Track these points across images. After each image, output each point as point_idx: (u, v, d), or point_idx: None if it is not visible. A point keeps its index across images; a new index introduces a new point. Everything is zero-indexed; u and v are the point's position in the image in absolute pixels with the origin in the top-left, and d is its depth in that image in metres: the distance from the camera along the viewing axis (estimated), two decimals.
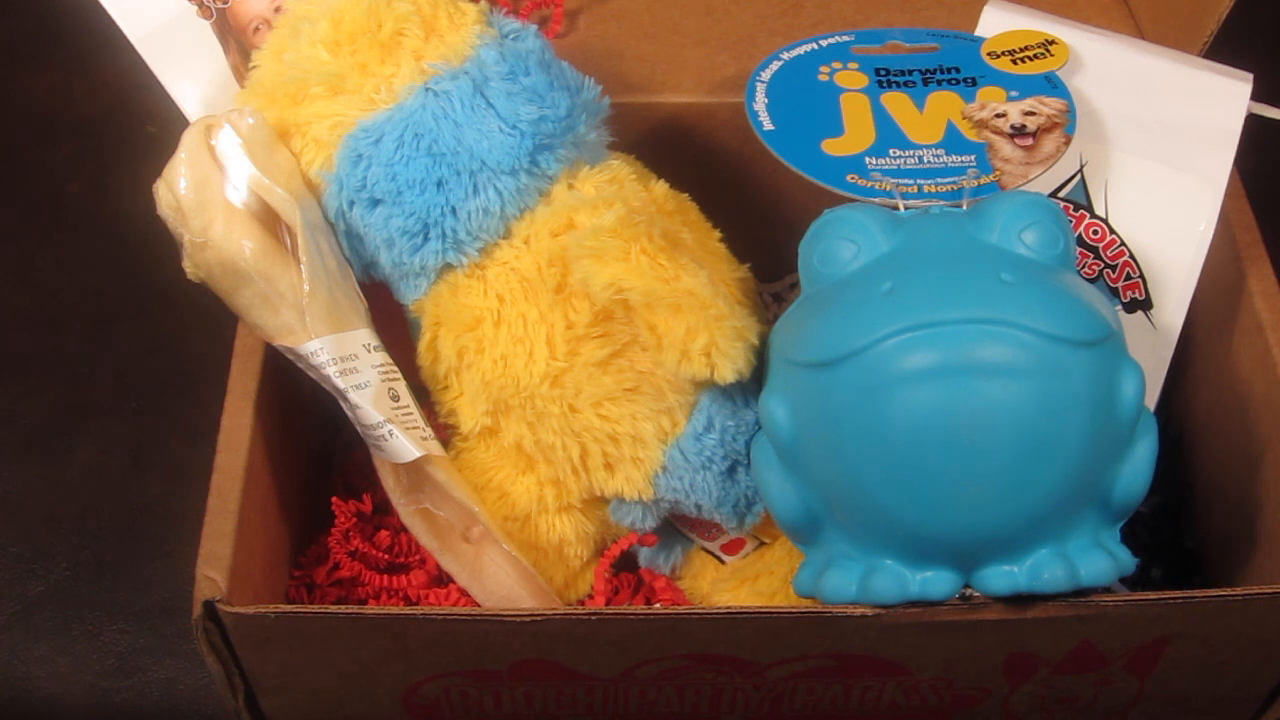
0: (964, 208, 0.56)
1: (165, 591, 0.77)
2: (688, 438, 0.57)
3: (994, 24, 0.66)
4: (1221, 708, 0.60)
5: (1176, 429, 0.68)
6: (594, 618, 0.53)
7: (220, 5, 0.63)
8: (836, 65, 0.63)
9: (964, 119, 0.61)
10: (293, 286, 0.56)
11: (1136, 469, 0.52)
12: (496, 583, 0.59)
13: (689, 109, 0.69)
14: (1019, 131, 0.60)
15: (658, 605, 0.63)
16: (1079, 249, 0.62)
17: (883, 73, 0.63)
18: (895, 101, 0.61)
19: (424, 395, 0.60)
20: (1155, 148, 0.63)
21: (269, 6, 0.63)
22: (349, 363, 0.56)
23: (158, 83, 0.63)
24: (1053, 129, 0.60)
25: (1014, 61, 0.63)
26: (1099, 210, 0.63)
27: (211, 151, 0.56)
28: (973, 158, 0.59)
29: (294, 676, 0.56)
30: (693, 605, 0.64)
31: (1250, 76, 0.64)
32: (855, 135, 0.60)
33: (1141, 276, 0.62)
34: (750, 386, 0.57)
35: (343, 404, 0.57)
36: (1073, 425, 0.50)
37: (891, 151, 0.59)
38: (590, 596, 0.61)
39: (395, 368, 0.58)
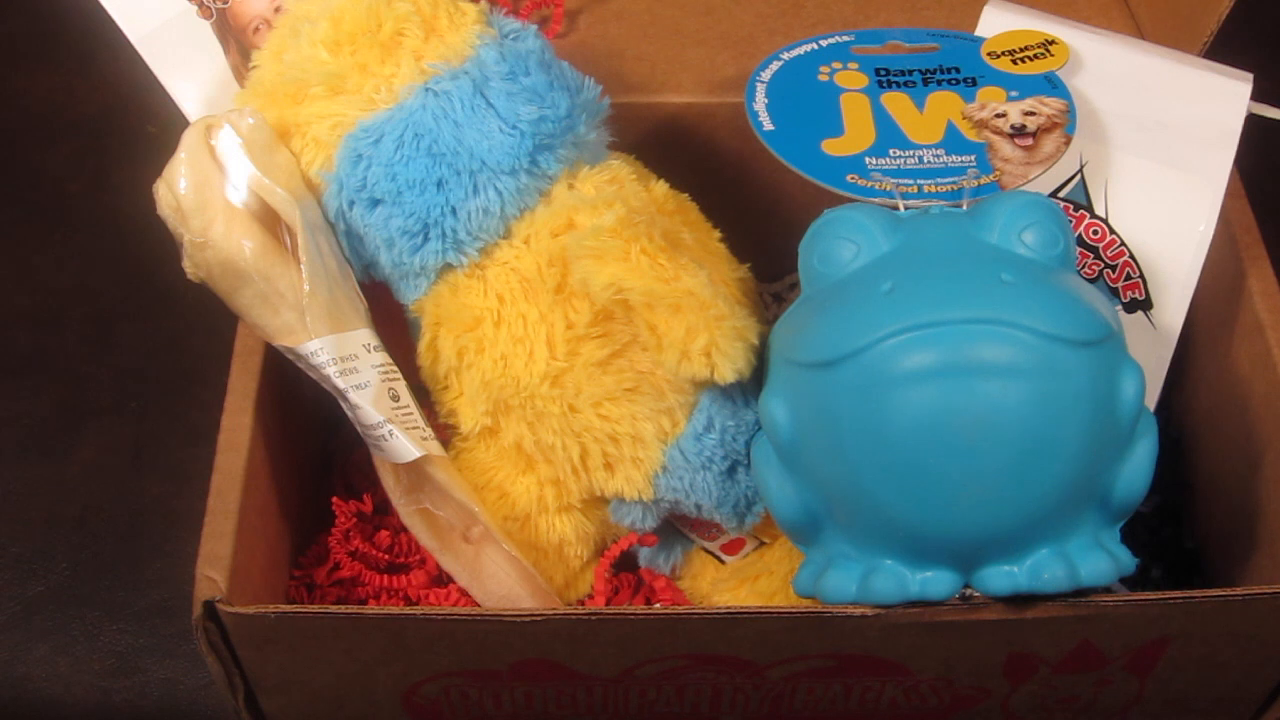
0: (964, 208, 0.56)
1: (165, 591, 0.77)
2: (688, 438, 0.57)
3: (994, 24, 0.66)
4: (1221, 708, 0.60)
5: (1176, 429, 0.68)
6: (594, 618, 0.53)
7: (220, 5, 0.63)
8: (836, 65, 0.63)
9: (964, 119, 0.61)
10: (293, 286, 0.56)
11: (1136, 469, 0.52)
12: (496, 583, 0.59)
13: (689, 109, 0.69)
14: (1019, 131, 0.60)
15: (658, 605, 0.63)
16: (1079, 249, 0.62)
17: (883, 73, 0.63)
18: (895, 101, 0.61)
19: (424, 395, 0.60)
20: (1155, 148, 0.63)
21: (269, 6, 0.63)
22: (349, 363, 0.56)
23: (158, 83, 0.63)
24: (1053, 129, 0.60)
25: (1014, 61, 0.63)
26: (1099, 210, 0.63)
27: (211, 151, 0.56)
28: (973, 158, 0.59)
29: (294, 676, 0.56)
30: (693, 605, 0.64)
31: (1250, 76, 0.64)
32: (855, 135, 0.60)
33: (1141, 276, 0.62)
34: (750, 386, 0.57)
35: (343, 404, 0.57)
36: (1073, 425, 0.50)
37: (891, 151, 0.59)
38: (590, 596, 0.61)
39: (395, 368, 0.58)
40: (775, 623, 0.53)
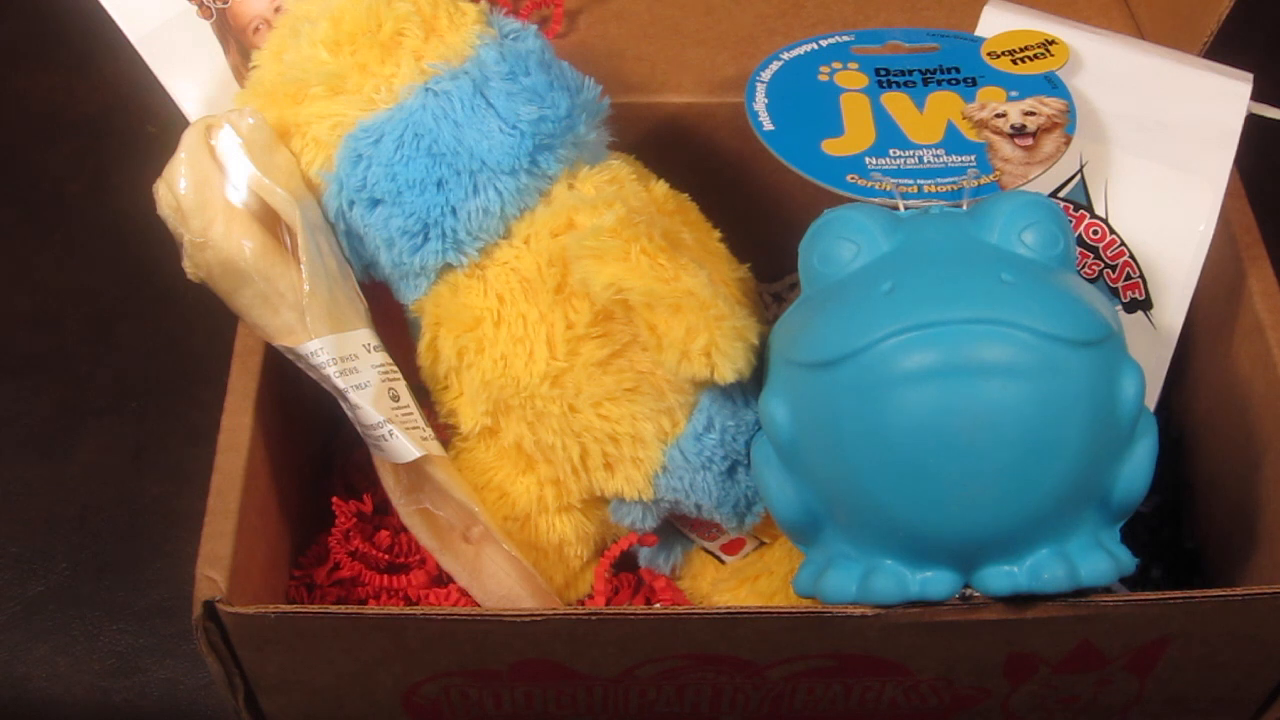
0: (964, 208, 0.56)
1: (165, 591, 0.77)
2: (688, 438, 0.57)
3: (994, 24, 0.66)
4: (1221, 708, 0.60)
5: (1176, 429, 0.68)
6: (594, 618, 0.53)
7: (220, 5, 0.63)
8: (836, 65, 0.63)
9: (964, 119, 0.61)
10: (293, 286, 0.56)
11: (1136, 469, 0.52)
12: (496, 583, 0.59)
13: (689, 109, 0.69)
14: (1019, 131, 0.60)
15: (658, 605, 0.63)
16: (1079, 249, 0.62)
17: (883, 73, 0.63)
18: (895, 101, 0.61)
19: (424, 395, 0.60)
20: (1155, 148, 0.63)
21: (269, 6, 0.63)
22: (349, 363, 0.56)
23: (158, 83, 0.63)
24: (1053, 129, 0.60)
25: (1014, 61, 0.63)
26: (1099, 210, 0.63)
27: (211, 151, 0.56)
28: (973, 158, 0.59)
29: (294, 676, 0.56)
30: (693, 605, 0.64)
31: (1250, 76, 0.64)
32: (855, 135, 0.60)
33: (1141, 276, 0.62)
34: (750, 386, 0.57)
35: (343, 404, 0.57)
36: (1073, 425, 0.50)
37: (891, 151, 0.59)
38: (590, 596, 0.62)
39: (395, 368, 0.58)
40: (775, 623, 0.53)
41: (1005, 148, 0.59)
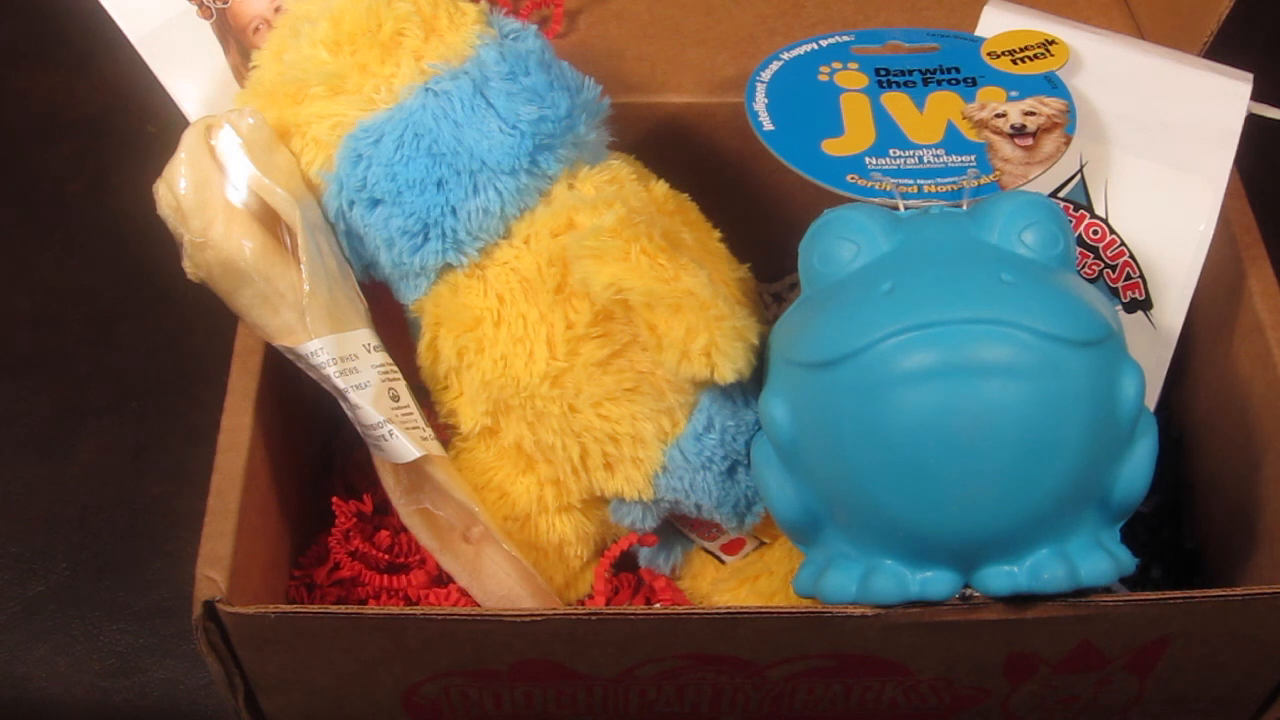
0: (964, 208, 0.56)
1: (165, 591, 0.77)
2: (688, 438, 0.57)
3: (994, 24, 0.66)
4: (1221, 708, 0.60)
5: (1176, 429, 0.68)
6: (594, 618, 0.53)
7: (220, 5, 0.63)
8: (836, 65, 0.63)
9: (964, 119, 0.61)
10: (293, 286, 0.56)
11: (1136, 469, 0.52)
12: (496, 583, 0.59)
13: (689, 109, 0.69)
14: (1019, 131, 0.60)
15: (658, 605, 0.63)
16: (1079, 249, 0.62)
17: (883, 73, 0.63)
18: (895, 101, 0.61)
19: (424, 395, 0.60)
20: (1155, 148, 0.63)
21: (269, 6, 0.63)
22: (349, 363, 0.56)
23: (158, 83, 0.63)
24: (1053, 129, 0.60)
25: (1014, 61, 0.63)
26: (1099, 210, 0.63)
27: (211, 151, 0.56)
28: (973, 158, 0.59)
29: (294, 676, 0.56)
30: (693, 605, 0.64)
31: (1250, 76, 0.64)
32: (855, 135, 0.60)
33: (1141, 276, 0.62)
34: (750, 386, 0.57)
35: (343, 404, 0.57)
36: (1073, 425, 0.50)
37: (891, 151, 0.59)
38: (590, 596, 0.62)
39: (395, 368, 0.58)
40: (775, 623, 0.53)
41: (1005, 148, 0.59)
